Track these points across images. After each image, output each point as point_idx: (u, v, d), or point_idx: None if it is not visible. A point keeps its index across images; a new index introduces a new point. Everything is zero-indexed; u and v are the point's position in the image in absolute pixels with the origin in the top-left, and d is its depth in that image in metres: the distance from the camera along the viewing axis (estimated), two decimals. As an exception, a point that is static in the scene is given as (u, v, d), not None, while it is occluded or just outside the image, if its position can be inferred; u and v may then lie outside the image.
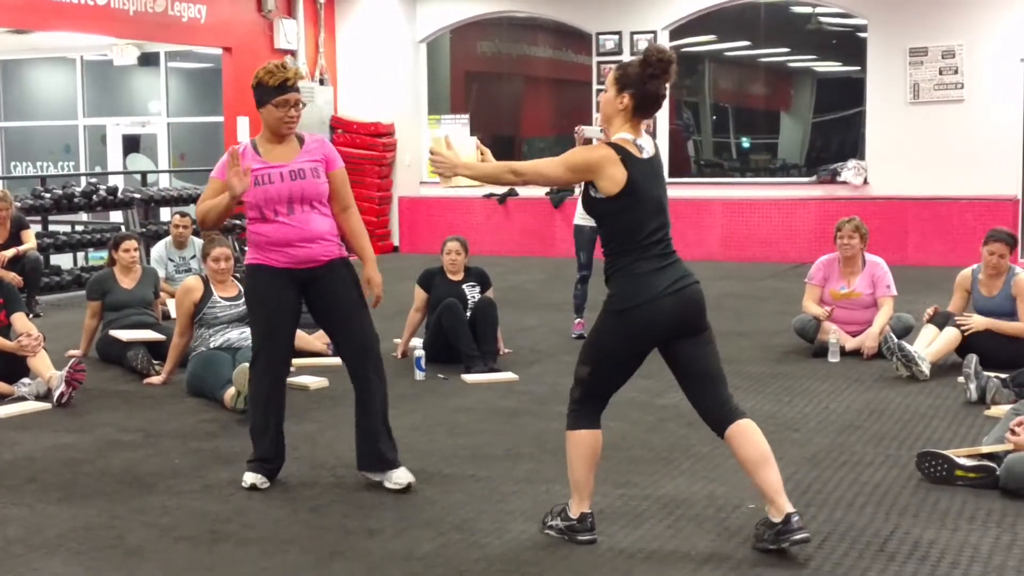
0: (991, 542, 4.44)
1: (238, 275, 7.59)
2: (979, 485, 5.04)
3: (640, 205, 4.29)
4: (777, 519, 4.23)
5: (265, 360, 5.26)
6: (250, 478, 5.25)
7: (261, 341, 5.26)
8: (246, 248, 5.41)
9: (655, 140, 4.38)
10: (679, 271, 4.33)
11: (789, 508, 4.23)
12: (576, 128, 9.09)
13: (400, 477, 5.17)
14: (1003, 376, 6.64)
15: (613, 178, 4.25)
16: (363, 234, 5.34)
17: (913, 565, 4.22)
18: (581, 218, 9.11)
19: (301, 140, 5.26)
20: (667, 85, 4.34)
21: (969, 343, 7.38)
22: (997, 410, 6.27)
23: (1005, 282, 7.58)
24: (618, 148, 4.28)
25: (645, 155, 4.33)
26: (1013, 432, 5.10)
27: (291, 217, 5.13)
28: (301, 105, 5.18)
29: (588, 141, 9.07)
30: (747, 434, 4.29)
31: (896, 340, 7.55)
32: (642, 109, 4.34)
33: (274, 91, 5.08)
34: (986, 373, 6.68)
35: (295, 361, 7.93)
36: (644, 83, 4.29)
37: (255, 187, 5.10)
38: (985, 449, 5.22)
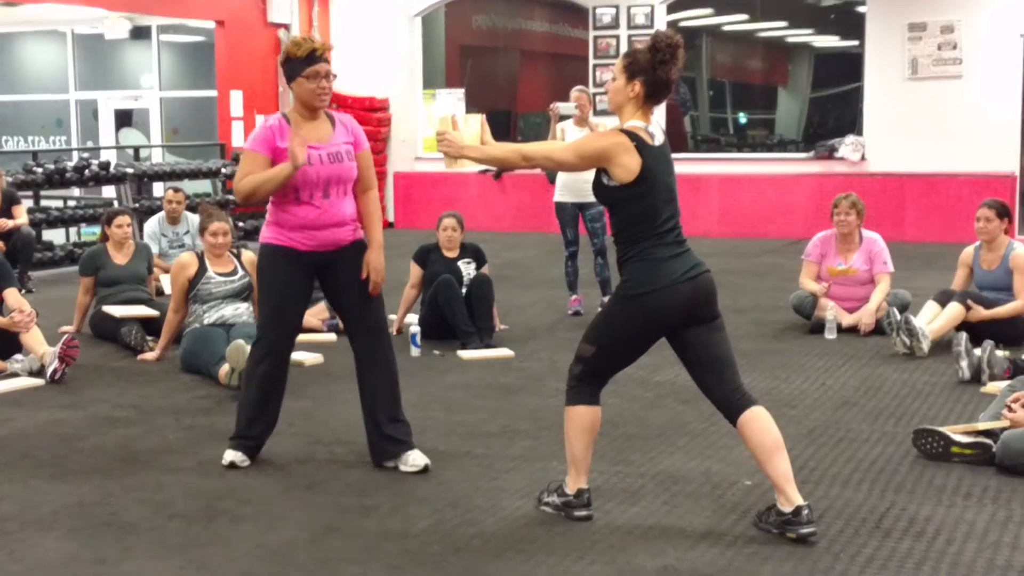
0: (987, 519, 4.44)
1: (235, 250, 7.56)
2: (975, 462, 5.04)
3: (654, 192, 4.27)
4: (787, 509, 4.20)
5: (270, 341, 5.18)
6: (231, 455, 5.21)
7: (269, 322, 5.19)
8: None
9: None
10: (693, 259, 4.32)
11: (800, 500, 4.21)
12: (551, 105, 9.07)
13: (416, 459, 5.12)
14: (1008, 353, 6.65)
15: (627, 166, 4.22)
16: (378, 219, 5.27)
17: (909, 541, 4.22)
18: (561, 195, 9.10)
19: (331, 118, 5.18)
20: (676, 70, 4.29)
21: (971, 321, 7.38)
22: (993, 387, 6.26)
23: (1004, 257, 7.58)
24: (632, 135, 4.25)
25: (657, 142, 4.30)
26: (1010, 409, 5.09)
27: (325, 201, 5.05)
28: (333, 76, 5.11)
29: (563, 118, 9.05)
30: (760, 421, 4.26)
31: (903, 314, 7.54)
32: (654, 96, 4.31)
33: (303, 63, 4.99)
34: (1002, 354, 6.65)
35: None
36: (654, 69, 4.26)
37: None
38: (981, 426, 5.22)
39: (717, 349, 4.35)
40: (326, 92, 5.05)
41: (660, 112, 16.56)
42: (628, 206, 4.28)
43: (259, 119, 15.74)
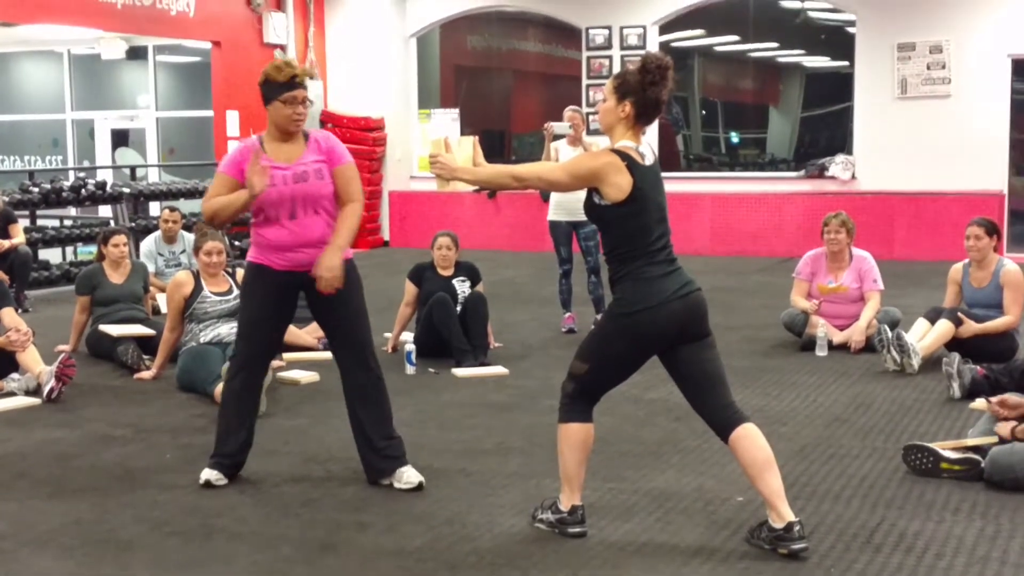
0: (975, 533, 4.48)
1: (230, 270, 7.60)
2: (964, 477, 5.08)
3: (646, 211, 4.30)
4: (779, 525, 4.24)
5: (243, 355, 5.24)
6: (207, 474, 5.20)
7: (242, 336, 5.26)
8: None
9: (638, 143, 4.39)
10: (684, 277, 4.36)
11: (791, 516, 4.24)
12: (545, 125, 9.12)
13: (410, 477, 5.14)
14: (995, 367, 6.70)
15: (618, 185, 4.26)
16: (348, 226, 5.10)
17: (899, 557, 4.25)
18: (555, 213, 9.16)
19: (307, 137, 5.18)
20: (666, 91, 4.34)
21: (960, 338, 7.43)
22: (982, 403, 6.30)
23: (993, 274, 7.63)
24: (623, 155, 4.29)
25: (648, 162, 4.34)
26: (1000, 405, 5.20)
27: (293, 222, 5.06)
28: (309, 103, 5.13)
29: (557, 137, 9.12)
30: (751, 439, 4.30)
31: (894, 330, 7.59)
32: (644, 116, 4.35)
33: (282, 87, 5.02)
34: (968, 366, 6.73)
35: (286, 356, 7.97)
36: (644, 90, 4.30)
37: None
38: (970, 442, 5.27)
39: (708, 366, 4.39)
40: (301, 118, 5.08)
41: (652, 132, 16.73)
42: (619, 225, 4.32)
43: (252, 139, 15.89)
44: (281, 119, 5.06)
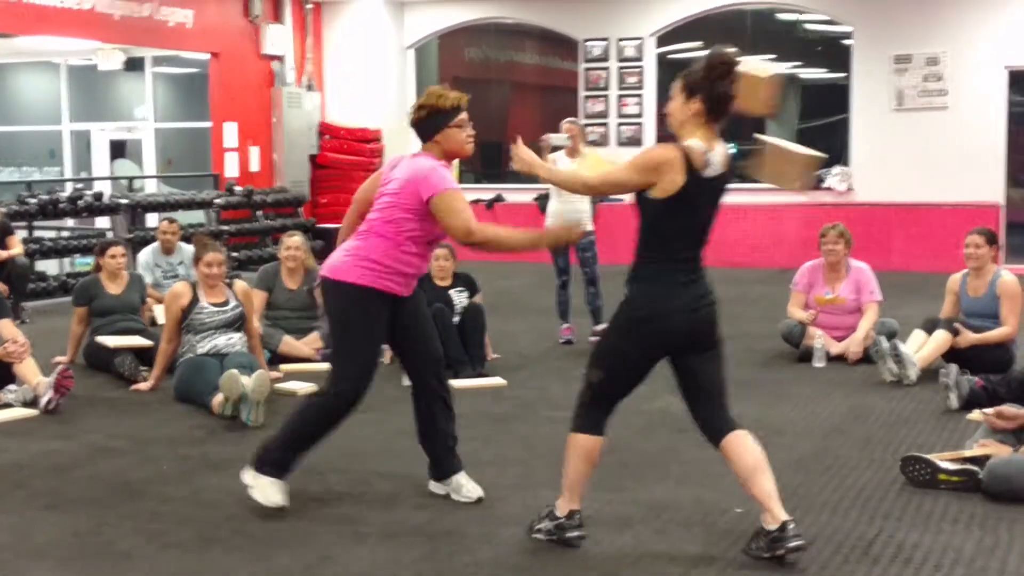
0: (974, 545, 4.49)
1: (228, 281, 7.60)
2: (961, 489, 5.08)
3: (684, 218, 4.26)
4: (772, 526, 4.25)
5: (349, 399, 4.92)
6: (280, 498, 4.97)
7: (350, 376, 4.90)
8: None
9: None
10: (700, 289, 4.33)
11: (784, 516, 4.25)
12: (543, 136, 9.13)
13: (470, 492, 5.14)
14: (993, 378, 6.71)
15: (671, 181, 4.20)
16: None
17: (897, 568, 4.26)
18: (553, 224, 9.15)
19: None
20: (734, 86, 4.26)
21: (956, 348, 7.44)
22: (979, 414, 6.31)
23: (990, 284, 7.64)
24: (687, 156, 4.21)
25: (709, 173, 4.25)
26: (998, 416, 5.22)
27: (429, 249, 5.04)
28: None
29: (555, 149, 9.13)
30: (742, 444, 4.31)
31: (890, 341, 7.60)
32: (715, 112, 4.27)
33: (452, 112, 4.90)
34: (966, 377, 6.74)
35: (283, 367, 7.97)
36: (711, 86, 4.24)
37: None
38: (968, 453, 5.27)
39: (708, 376, 4.40)
40: (473, 138, 5.00)
41: (650, 144, 16.59)
42: (655, 221, 4.27)
43: (253, 150, 15.92)
44: (459, 144, 4.94)
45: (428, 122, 4.94)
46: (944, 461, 5.19)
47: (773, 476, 4.32)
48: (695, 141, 4.24)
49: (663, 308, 4.27)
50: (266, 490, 4.93)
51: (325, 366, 8.05)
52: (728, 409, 4.42)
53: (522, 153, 4.56)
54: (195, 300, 7.33)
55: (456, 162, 4.74)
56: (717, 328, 4.42)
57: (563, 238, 5.05)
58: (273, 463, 4.97)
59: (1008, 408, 5.35)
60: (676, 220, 4.26)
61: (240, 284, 7.73)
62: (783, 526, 4.23)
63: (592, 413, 4.47)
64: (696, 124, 4.28)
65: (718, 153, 4.29)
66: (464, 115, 4.94)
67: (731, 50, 4.32)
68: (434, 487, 5.24)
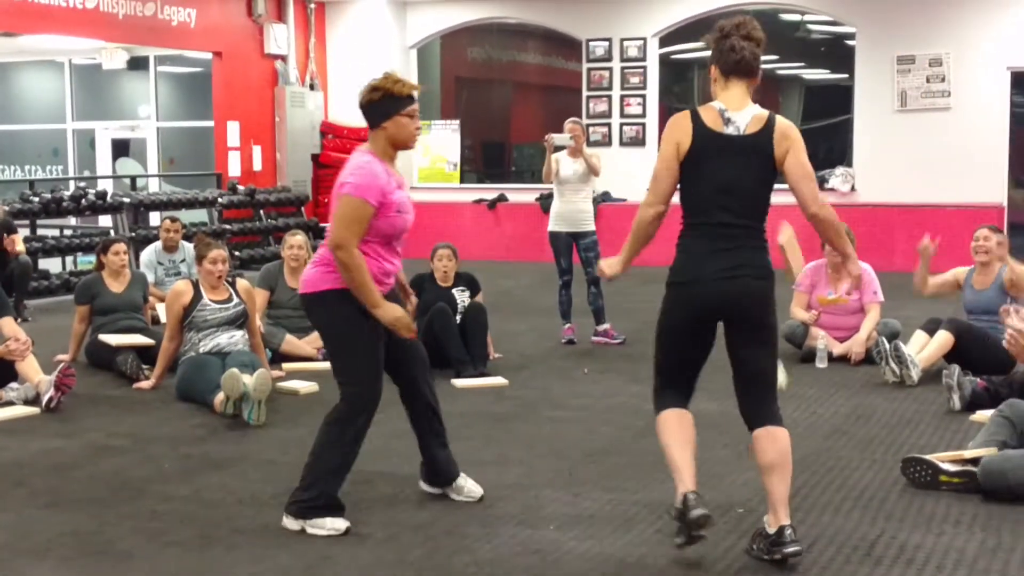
0: (976, 546, 4.48)
1: (230, 279, 7.60)
2: (963, 490, 5.07)
3: (699, 181, 4.23)
4: (771, 530, 4.24)
5: (366, 406, 4.75)
6: (342, 524, 4.73)
7: (362, 382, 4.74)
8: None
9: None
10: (738, 259, 4.22)
11: (785, 521, 4.23)
12: (546, 136, 9.13)
13: (472, 491, 5.11)
14: (995, 378, 6.69)
15: (678, 144, 4.22)
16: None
17: (899, 569, 4.25)
18: (555, 224, 9.16)
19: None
20: (741, 40, 4.24)
21: (959, 349, 7.41)
22: (982, 415, 6.30)
23: (996, 275, 7.62)
24: (694, 114, 4.23)
25: (728, 129, 4.21)
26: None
27: (395, 251, 4.91)
28: None
29: (557, 149, 9.13)
30: (770, 439, 4.27)
31: (892, 342, 7.59)
32: (728, 69, 4.26)
33: (406, 100, 4.76)
34: (968, 378, 6.73)
35: (285, 366, 7.97)
36: (718, 48, 4.26)
37: (396, 215, 4.77)
38: (968, 454, 5.26)
39: (752, 364, 4.30)
40: (419, 132, 4.91)
41: (652, 142, 16.45)
42: (683, 187, 4.28)
43: (256, 149, 15.93)
44: (407, 134, 4.81)
45: (380, 105, 4.77)
46: (945, 462, 5.18)
47: (789, 480, 4.29)
48: (715, 102, 4.27)
49: (693, 275, 4.23)
50: (324, 525, 4.70)
51: (326, 365, 8.12)
52: (766, 402, 4.33)
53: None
54: (197, 297, 7.33)
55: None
56: (762, 306, 4.26)
57: (398, 324, 4.65)
58: (318, 507, 4.71)
59: None
60: (695, 182, 4.23)
61: (243, 282, 7.72)
62: (780, 531, 4.21)
63: (666, 395, 4.42)
64: (720, 88, 4.30)
65: (746, 113, 4.24)
66: (416, 106, 4.82)
67: (742, 16, 4.35)
68: (426, 487, 5.22)
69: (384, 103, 4.75)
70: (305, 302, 4.84)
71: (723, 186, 4.22)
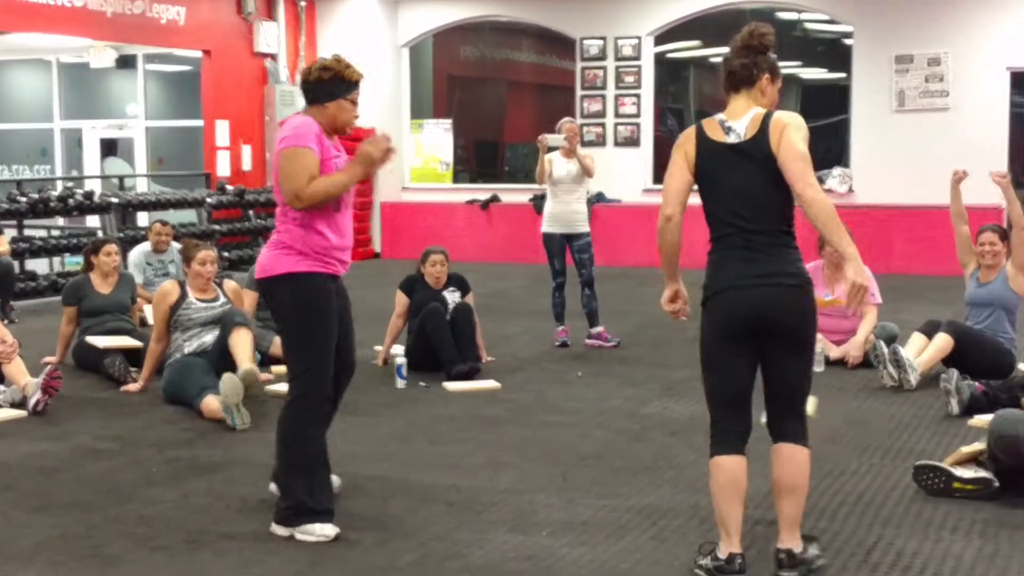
0: (974, 552, 4.43)
1: (217, 279, 7.54)
2: (977, 497, 5.02)
3: (714, 194, 4.22)
4: (781, 546, 4.17)
5: (324, 391, 4.69)
6: (331, 530, 4.65)
7: (313, 372, 4.65)
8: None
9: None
10: (764, 267, 4.13)
11: (786, 544, 4.16)
12: (540, 137, 9.07)
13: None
14: (994, 383, 6.65)
15: (686, 152, 4.24)
16: None
17: (896, 575, 4.19)
18: (549, 226, 9.11)
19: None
20: (737, 50, 4.30)
21: (957, 353, 7.36)
22: (980, 420, 6.25)
23: (1001, 270, 7.57)
24: (698, 128, 4.24)
25: (729, 138, 4.18)
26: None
27: (340, 215, 4.76)
28: None
29: (551, 149, 9.08)
30: (785, 459, 4.15)
31: (890, 346, 7.53)
32: (727, 86, 4.29)
33: (352, 86, 4.78)
34: (966, 382, 6.67)
35: (274, 368, 7.89)
36: (727, 60, 4.33)
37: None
38: (966, 450, 5.21)
39: (780, 377, 4.17)
40: (356, 119, 4.93)
41: (648, 144, 16.40)
42: (703, 206, 4.28)
43: (245, 149, 15.85)
44: (347, 117, 4.81)
45: (327, 85, 4.74)
46: (959, 469, 5.12)
47: (801, 502, 4.18)
48: (716, 115, 4.25)
49: (719, 286, 4.16)
50: (312, 532, 4.63)
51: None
52: (790, 417, 4.19)
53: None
54: (183, 297, 7.28)
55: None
56: (795, 316, 4.13)
57: (371, 154, 4.67)
58: (303, 512, 4.64)
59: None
60: (711, 196, 4.23)
61: (230, 283, 7.70)
62: (732, 557, 4.12)
63: (720, 432, 4.21)
64: (729, 99, 4.29)
65: (744, 119, 4.19)
66: (358, 92, 4.84)
67: (750, 27, 4.33)
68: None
69: (332, 83, 4.75)
70: (263, 286, 4.78)
71: (734, 194, 4.18)
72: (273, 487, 4.94)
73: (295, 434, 4.68)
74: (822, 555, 4.25)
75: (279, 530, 4.67)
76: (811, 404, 4.71)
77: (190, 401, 6.84)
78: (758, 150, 4.14)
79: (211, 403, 6.65)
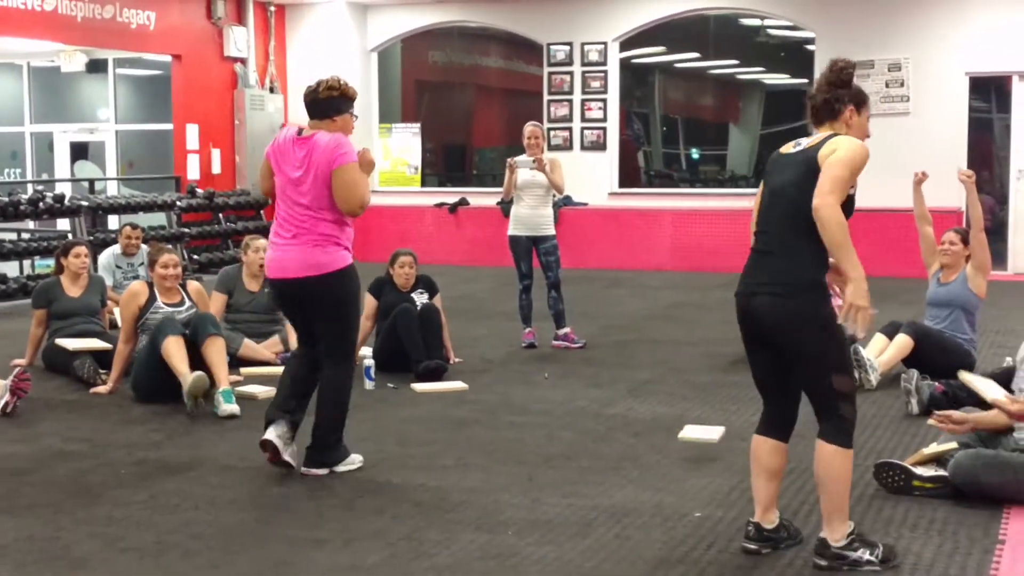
0: (933, 550, 4.50)
1: (182, 283, 7.56)
2: (936, 495, 5.10)
3: (763, 197, 4.41)
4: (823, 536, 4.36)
5: (352, 356, 5.74)
6: (359, 457, 5.70)
7: (352, 346, 5.70)
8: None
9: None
10: (756, 275, 4.30)
11: (824, 534, 4.34)
12: (509, 160, 9.15)
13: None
14: (953, 383, 6.75)
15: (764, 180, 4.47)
16: None
17: (856, 573, 4.26)
18: (515, 228, 9.16)
19: None
20: (819, 90, 4.47)
21: (918, 353, 7.46)
22: (934, 419, 6.33)
23: (961, 271, 7.69)
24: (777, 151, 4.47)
25: (790, 149, 4.39)
26: (945, 419, 5.31)
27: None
28: None
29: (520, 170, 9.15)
30: (815, 456, 4.42)
31: (851, 346, 7.61)
32: (813, 118, 4.49)
33: (351, 102, 5.61)
34: (926, 382, 6.78)
35: (244, 370, 7.92)
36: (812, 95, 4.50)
37: None
38: (928, 451, 5.31)
39: (784, 386, 4.46)
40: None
41: (614, 148, 16.34)
42: None
43: (215, 152, 15.83)
44: (351, 129, 5.62)
45: (335, 102, 5.57)
46: (918, 467, 5.21)
47: (829, 495, 4.37)
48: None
49: (738, 287, 4.38)
50: (353, 462, 5.64)
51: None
52: (819, 418, 4.44)
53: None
54: (151, 299, 7.30)
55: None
56: (779, 326, 4.21)
57: (373, 162, 5.72)
58: (341, 449, 5.62)
59: (956, 413, 5.39)
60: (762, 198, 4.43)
61: (193, 284, 7.76)
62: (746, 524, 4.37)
63: (764, 413, 4.58)
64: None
65: (815, 138, 4.37)
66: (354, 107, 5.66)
67: (834, 64, 4.47)
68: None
69: (339, 100, 5.58)
70: (321, 281, 5.43)
71: (768, 197, 4.36)
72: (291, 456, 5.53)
73: (347, 390, 5.63)
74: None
75: (318, 471, 5.52)
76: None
77: (155, 365, 6.98)
78: (804, 156, 4.27)
79: (170, 345, 6.87)
